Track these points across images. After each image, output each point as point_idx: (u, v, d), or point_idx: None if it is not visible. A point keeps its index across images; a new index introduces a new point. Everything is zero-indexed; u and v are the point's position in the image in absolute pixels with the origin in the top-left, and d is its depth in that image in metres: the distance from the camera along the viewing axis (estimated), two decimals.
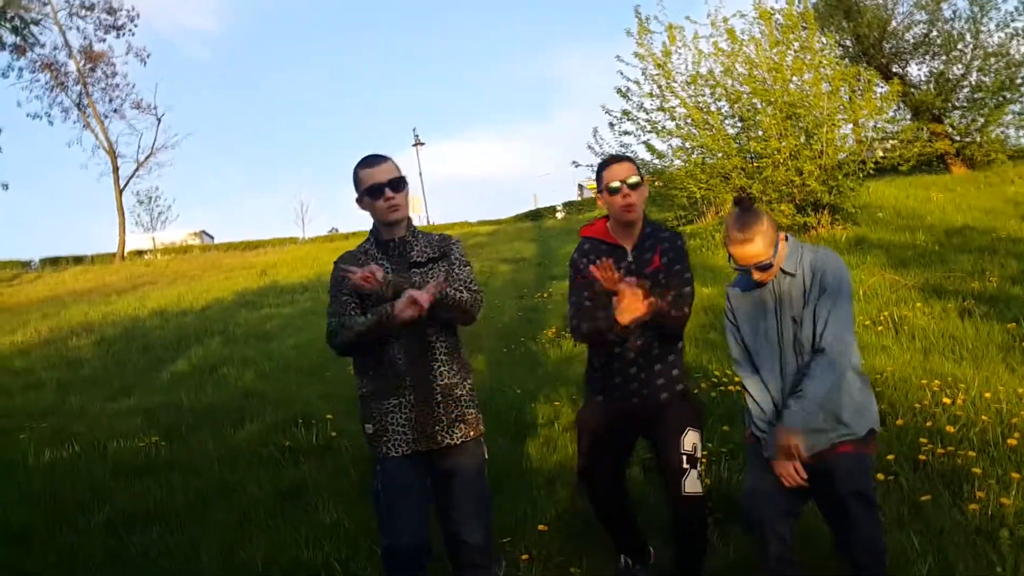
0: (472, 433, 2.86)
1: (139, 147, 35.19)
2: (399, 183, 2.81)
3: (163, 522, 4.44)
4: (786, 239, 2.71)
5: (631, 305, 2.69)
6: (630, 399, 2.99)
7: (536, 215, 31.47)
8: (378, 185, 2.77)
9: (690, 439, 2.92)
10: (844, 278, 2.66)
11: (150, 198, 42.08)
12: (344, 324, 2.74)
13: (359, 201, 2.87)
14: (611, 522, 3.19)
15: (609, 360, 3.02)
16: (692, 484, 2.90)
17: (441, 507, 2.86)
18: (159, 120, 32.35)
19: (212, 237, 43.81)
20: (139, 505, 4.66)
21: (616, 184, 2.93)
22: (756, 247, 2.59)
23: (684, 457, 2.90)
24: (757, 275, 2.65)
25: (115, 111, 31.79)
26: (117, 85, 31.74)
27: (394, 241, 2.84)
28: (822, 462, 2.64)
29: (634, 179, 2.93)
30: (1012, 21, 17.13)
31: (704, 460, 3.07)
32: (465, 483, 2.82)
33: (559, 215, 29.35)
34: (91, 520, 4.50)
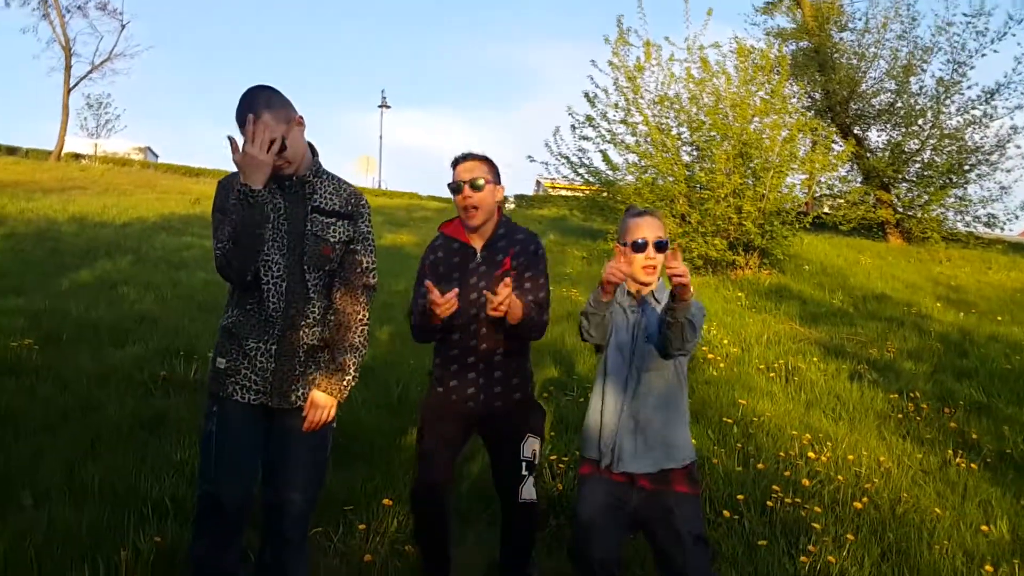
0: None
1: (97, 50, 34.06)
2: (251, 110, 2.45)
3: (15, 426, 4.30)
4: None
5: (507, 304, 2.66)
6: (466, 402, 2.95)
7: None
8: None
9: (530, 445, 2.92)
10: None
11: (100, 103, 40.52)
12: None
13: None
14: (429, 532, 3.02)
15: (450, 358, 2.97)
16: (528, 491, 2.91)
17: (270, 467, 2.62)
18: (123, 26, 31.08)
19: (156, 156, 42.45)
20: None
21: (458, 183, 2.89)
22: (655, 223, 2.72)
23: (524, 464, 2.90)
24: (648, 260, 2.67)
25: (79, 8, 30.40)
26: None
27: (291, 179, 2.56)
28: (656, 498, 2.66)
29: (479, 181, 2.87)
30: (972, 108, 17.71)
31: (540, 466, 3.05)
32: (304, 448, 2.59)
33: (510, 205, 29.36)
34: None
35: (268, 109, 2.42)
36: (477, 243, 2.96)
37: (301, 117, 2.55)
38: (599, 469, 2.71)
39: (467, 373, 2.93)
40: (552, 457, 4.35)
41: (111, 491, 3.64)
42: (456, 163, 2.95)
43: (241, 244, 2.44)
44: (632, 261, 2.69)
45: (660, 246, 2.69)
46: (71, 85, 29.77)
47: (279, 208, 2.55)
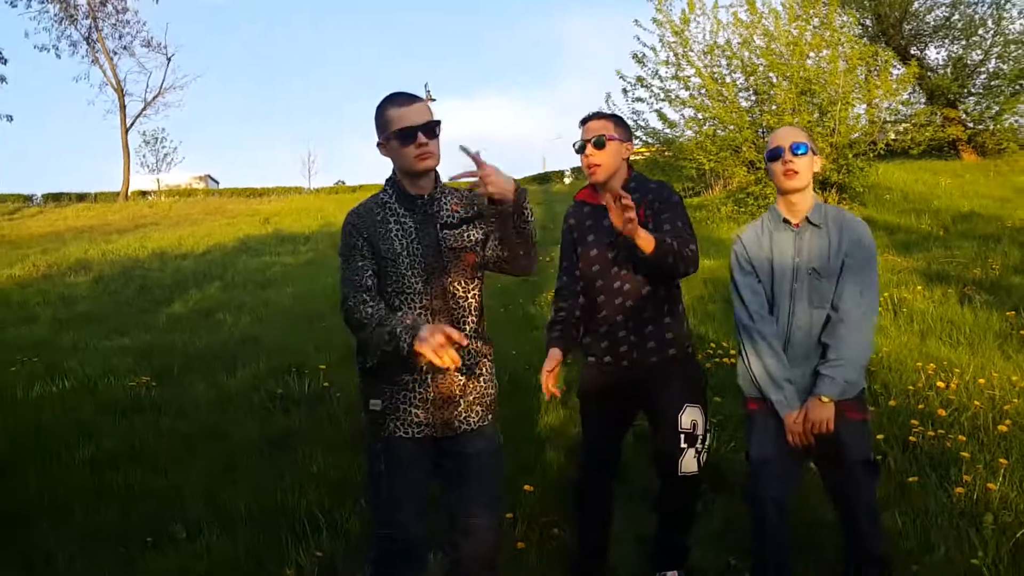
0: (491, 416, 2.55)
1: (147, 86, 35.00)
2: (433, 127, 2.41)
3: (148, 462, 4.45)
4: (812, 197, 2.68)
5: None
6: (616, 363, 2.87)
7: (544, 178, 31.23)
8: (410, 128, 2.37)
9: (688, 416, 2.79)
10: (872, 243, 2.64)
11: (156, 139, 41.85)
12: (365, 318, 2.33)
13: (382, 145, 2.47)
14: (590, 523, 3.02)
15: (595, 321, 2.90)
16: (688, 464, 2.79)
17: (450, 495, 2.52)
18: (169, 60, 32.03)
19: (217, 182, 43.51)
20: (125, 444, 4.68)
21: (581, 142, 2.85)
22: (796, 132, 2.66)
23: (682, 436, 2.78)
24: (789, 165, 2.57)
25: (124, 48, 31.50)
26: (128, 21, 31.36)
27: (422, 198, 2.45)
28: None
29: (602, 138, 2.80)
30: None
31: (705, 437, 2.87)
32: (480, 470, 2.48)
33: (567, 180, 29.13)
34: (76, 456, 4.51)
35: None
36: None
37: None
38: (767, 404, 2.65)
39: (617, 332, 2.85)
40: None
41: (258, 512, 3.72)
42: (582, 122, 2.90)
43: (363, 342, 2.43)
44: (773, 173, 2.64)
45: (796, 150, 2.59)
46: (128, 125, 30.76)
47: (410, 232, 2.45)
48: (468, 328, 2.47)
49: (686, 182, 13.94)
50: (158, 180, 37.96)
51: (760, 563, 2.72)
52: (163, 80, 33.69)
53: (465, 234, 2.49)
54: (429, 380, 2.44)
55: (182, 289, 10.08)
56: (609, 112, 2.96)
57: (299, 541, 3.36)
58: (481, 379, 2.52)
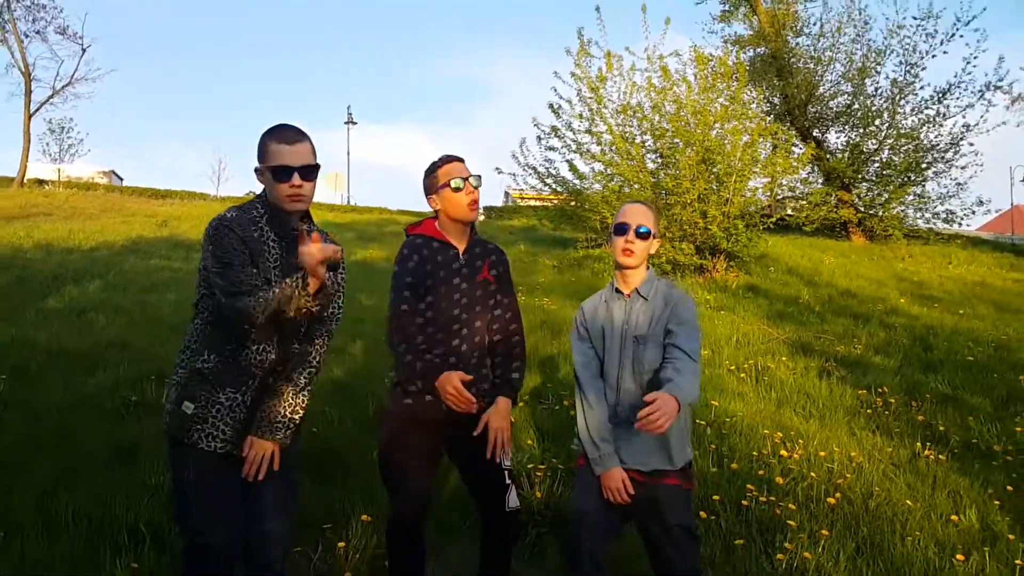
0: (295, 435, 2.62)
1: (58, 74, 33.63)
2: (311, 171, 2.45)
3: None
4: (647, 268, 2.85)
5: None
6: (440, 406, 2.83)
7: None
8: (286, 168, 2.41)
9: (507, 454, 2.92)
10: (694, 311, 2.81)
11: (62, 128, 40.16)
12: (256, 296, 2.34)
13: (259, 172, 2.50)
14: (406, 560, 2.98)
15: (443, 355, 2.90)
16: (514, 500, 2.91)
17: (248, 504, 2.57)
18: (84, 50, 30.66)
19: (121, 179, 41.88)
20: None
21: (459, 182, 2.88)
22: (645, 213, 2.82)
23: (506, 473, 2.90)
24: (628, 245, 2.75)
25: (37, 32, 29.92)
26: (43, 6, 29.97)
27: (294, 230, 2.49)
28: (647, 490, 2.71)
29: (476, 181, 2.92)
30: (925, 108, 18.18)
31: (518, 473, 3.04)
32: (279, 481, 2.56)
33: (480, 217, 29.31)
34: None
35: (310, 141, 2.48)
36: (459, 245, 2.96)
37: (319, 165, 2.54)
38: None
39: (466, 371, 2.86)
40: (530, 465, 4.39)
41: (86, 521, 3.61)
42: (445, 162, 2.94)
43: (272, 319, 2.38)
44: (614, 245, 2.81)
45: (641, 233, 2.77)
46: (32, 110, 29.30)
47: (276, 260, 2.49)
48: (291, 362, 2.57)
49: (590, 232, 14.26)
50: (59, 170, 36.30)
51: None
52: (75, 70, 32.28)
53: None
54: (249, 401, 2.49)
55: (60, 284, 9.63)
56: (461, 156, 3.01)
57: (118, 553, 3.28)
58: (287, 401, 2.56)
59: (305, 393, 2.60)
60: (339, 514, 3.77)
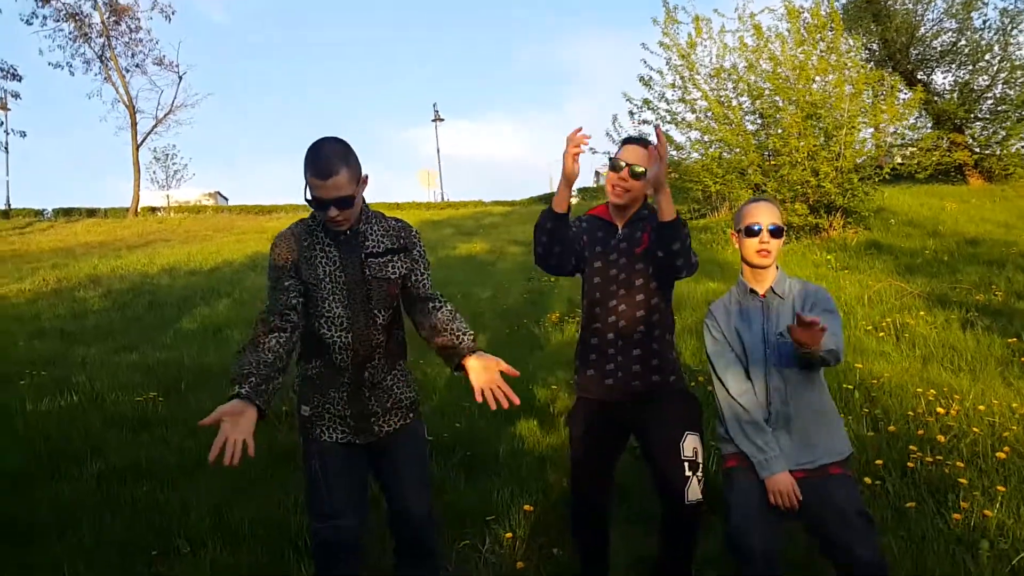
0: (411, 416, 2.75)
1: (159, 104, 35.41)
2: (345, 202, 2.49)
3: (155, 477, 4.49)
4: (776, 266, 2.78)
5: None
6: (603, 381, 2.87)
7: (550, 198, 31.25)
8: (322, 201, 2.48)
9: (690, 443, 2.79)
10: (832, 299, 2.74)
11: (167, 155, 42.38)
12: (260, 348, 2.45)
13: (308, 200, 2.55)
14: (585, 536, 3.02)
15: (588, 343, 2.93)
16: (694, 492, 2.79)
17: (383, 485, 2.75)
18: (180, 78, 32.34)
19: (226, 199, 43.75)
20: (132, 459, 4.72)
21: (622, 164, 2.85)
22: (771, 209, 2.74)
23: (686, 464, 2.78)
24: (763, 246, 2.67)
25: (137, 66, 31.80)
26: (140, 40, 31.69)
27: (346, 233, 2.61)
28: (817, 486, 2.62)
29: (641, 169, 2.82)
30: None
31: (705, 463, 2.87)
32: (406, 457, 2.72)
33: (573, 200, 29.17)
34: (84, 470, 4.57)
35: (346, 166, 2.47)
36: (619, 222, 2.94)
37: (367, 176, 2.59)
38: (744, 460, 2.67)
39: (607, 349, 2.88)
40: None
41: (262, 529, 3.76)
42: (625, 142, 2.92)
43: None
44: (746, 246, 2.72)
45: (774, 231, 2.69)
46: (139, 141, 31.03)
47: (334, 260, 2.60)
48: (379, 354, 2.67)
49: (692, 204, 14.00)
50: (168, 196, 38.27)
51: None
52: (174, 98, 34.05)
53: (389, 264, 2.65)
54: (346, 397, 2.65)
55: (191, 305, 10.16)
56: (647, 139, 2.95)
57: (301, 557, 3.40)
58: (393, 388, 2.71)
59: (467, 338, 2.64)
60: (498, 506, 3.82)
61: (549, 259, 2.85)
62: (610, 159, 2.90)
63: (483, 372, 2.57)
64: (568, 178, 2.65)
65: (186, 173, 43.55)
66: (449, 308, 2.70)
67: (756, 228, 2.69)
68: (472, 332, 2.65)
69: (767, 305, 2.72)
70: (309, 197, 2.51)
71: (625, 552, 3.37)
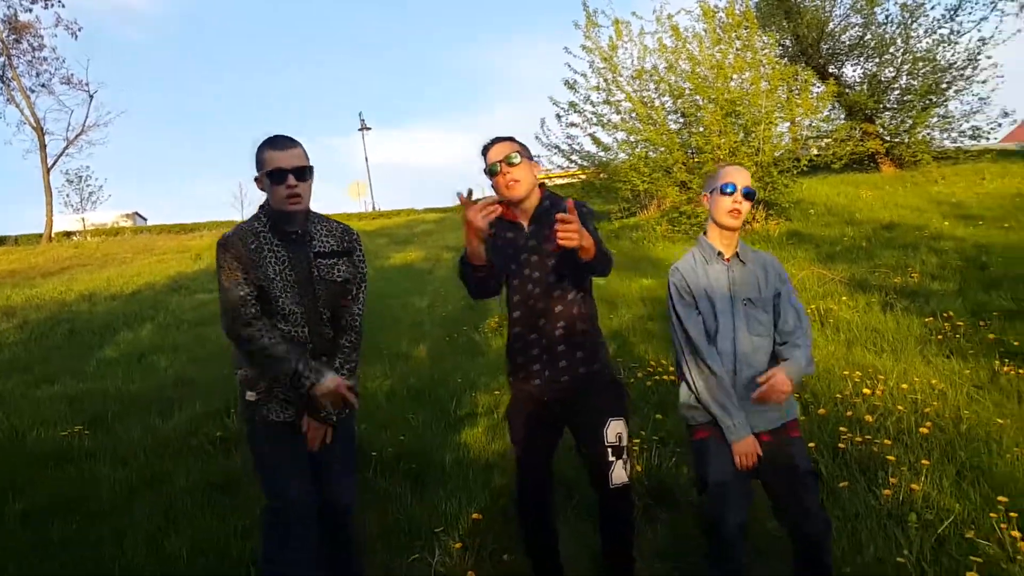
0: (347, 410, 2.87)
1: (69, 124, 34.00)
2: (304, 172, 2.69)
3: (86, 513, 4.32)
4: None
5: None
6: (532, 380, 2.93)
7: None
8: (281, 170, 2.64)
9: (613, 429, 2.87)
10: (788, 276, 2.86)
11: (80, 177, 40.82)
12: (264, 348, 2.63)
13: (257, 180, 2.74)
14: (537, 534, 3.08)
15: (515, 348, 2.97)
16: (618, 475, 2.88)
17: (313, 466, 2.85)
18: (91, 97, 31.10)
19: (145, 219, 42.41)
20: (60, 495, 4.52)
21: (496, 165, 2.88)
22: (746, 175, 2.82)
23: (609, 449, 2.87)
24: (736, 205, 2.74)
25: (43, 86, 30.44)
26: (45, 59, 30.35)
27: (296, 233, 2.75)
28: (776, 447, 2.74)
29: (515, 158, 2.88)
30: (939, 28, 17.81)
31: (631, 448, 3.02)
32: (336, 446, 2.86)
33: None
34: (6, 510, 4.36)
35: (302, 147, 2.70)
36: (524, 219, 2.95)
37: (313, 168, 2.77)
38: (716, 430, 2.74)
39: (531, 350, 2.93)
40: (634, 440, 4.35)
41: (203, 558, 3.66)
42: (486, 149, 2.95)
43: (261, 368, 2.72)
44: (718, 205, 2.77)
45: (748, 194, 2.77)
46: (49, 164, 29.76)
47: (283, 259, 2.72)
48: (327, 348, 2.82)
49: (622, 203, 14.20)
50: (83, 220, 36.89)
51: None
52: (86, 117, 32.77)
53: (335, 268, 2.80)
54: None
55: (113, 332, 9.79)
56: (507, 135, 2.99)
57: None
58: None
59: (344, 372, 2.82)
60: (446, 516, 3.80)
61: (482, 295, 2.93)
62: (485, 170, 2.94)
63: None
64: (477, 236, 2.65)
65: (101, 195, 41.95)
66: (348, 351, 2.87)
67: (730, 188, 2.75)
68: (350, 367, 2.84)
69: (731, 268, 2.78)
70: (266, 171, 2.66)
71: (576, 546, 3.41)
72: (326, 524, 2.87)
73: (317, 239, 2.79)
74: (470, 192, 2.60)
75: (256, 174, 2.74)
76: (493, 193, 2.95)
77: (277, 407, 2.77)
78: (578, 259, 2.65)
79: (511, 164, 2.88)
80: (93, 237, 27.05)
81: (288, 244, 2.72)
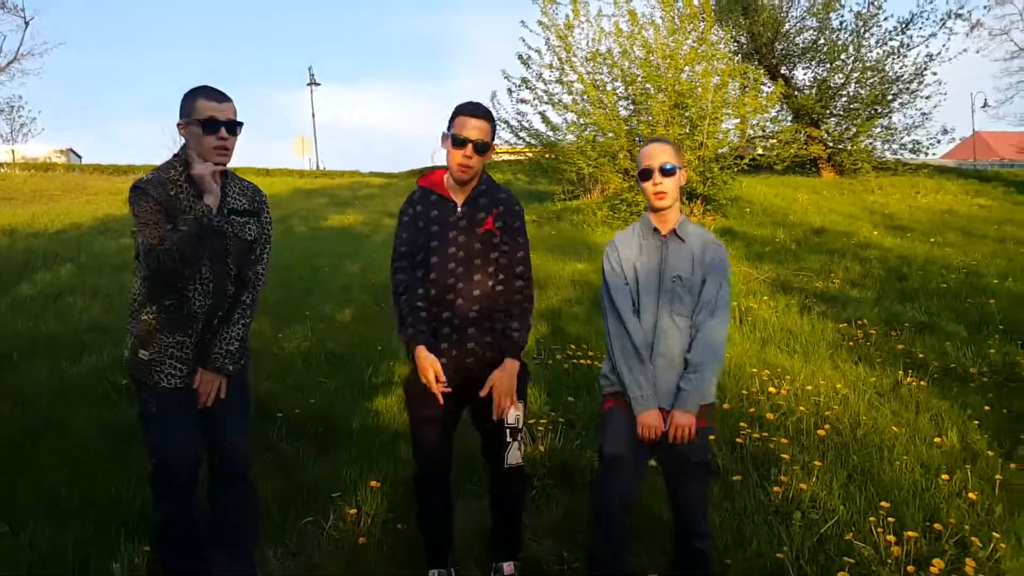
0: (243, 362, 2.87)
1: (1, 50, 32.53)
2: (235, 127, 2.69)
3: None
4: (679, 210, 2.89)
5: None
6: (461, 359, 2.89)
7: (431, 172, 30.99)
8: (215, 120, 2.62)
9: (513, 412, 2.91)
10: (728, 264, 2.88)
11: (11, 107, 38.97)
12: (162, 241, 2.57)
13: (181, 126, 2.69)
14: (432, 512, 3.09)
15: (443, 315, 2.90)
16: (514, 456, 2.95)
17: (206, 425, 2.81)
18: (27, 23, 29.82)
19: (80, 157, 40.82)
20: None
21: (464, 138, 2.81)
22: (664, 149, 2.82)
23: (507, 431, 2.92)
24: (657, 187, 2.77)
25: None
26: None
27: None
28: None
29: (484, 143, 2.83)
30: (890, 39, 18.20)
31: (527, 429, 3.09)
32: (230, 399, 2.83)
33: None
34: None
35: (233, 103, 2.69)
36: (458, 198, 2.91)
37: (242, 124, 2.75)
38: (623, 401, 2.79)
39: (441, 328, 2.89)
40: (531, 421, 4.43)
41: (94, 507, 3.60)
42: (463, 113, 2.85)
43: (188, 258, 2.61)
44: (644, 191, 2.82)
45: (665, 170, 2.78)
46: None
47: (201, 212, 2.67)
48: (230, 299, 2.80)
49: (566, 184, 14.25)
50: (12, 152, 35.36)
51: (597, 554, 2.85)
52: (19, 45, 31.38)
53: (246, 226, 2.80)
54: (195, 342, 2.74)
55: (31, 270, 9.45)
56: (488, 111, 2.92)
57: (132, 537, 3.28)
58: (233, 340, 2.81)
59: (239, 326, 2.83)
60: (346, 482, 3.81)
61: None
62: (452, 136, 2.84)
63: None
64: None
65: (35, 127, 40.17)
66: (244, 310, 2.84)
67: (648, 171, 2.79)
68: (233, 346, 2.79)
69: (666, 245, 2.81)
70: (198, 118, 2.63)
71: (468, 521, 3.44)
72: (221, 482, 2.87)
73: (231, 196, 2.77)
74: None
75: (180, 120, 2.69)
76: (442, 152, 2.93)
77: (170, 370, 2.71)
78: None
79: (479, 150, 2.83)
80: (22, 171, 25.93)
81: (203, 197, 2.68)
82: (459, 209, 2.90)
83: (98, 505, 3.62)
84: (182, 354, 2.72)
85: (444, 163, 2.91)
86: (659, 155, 2.80)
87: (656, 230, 2.84)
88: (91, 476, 3.94)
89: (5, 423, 4.65)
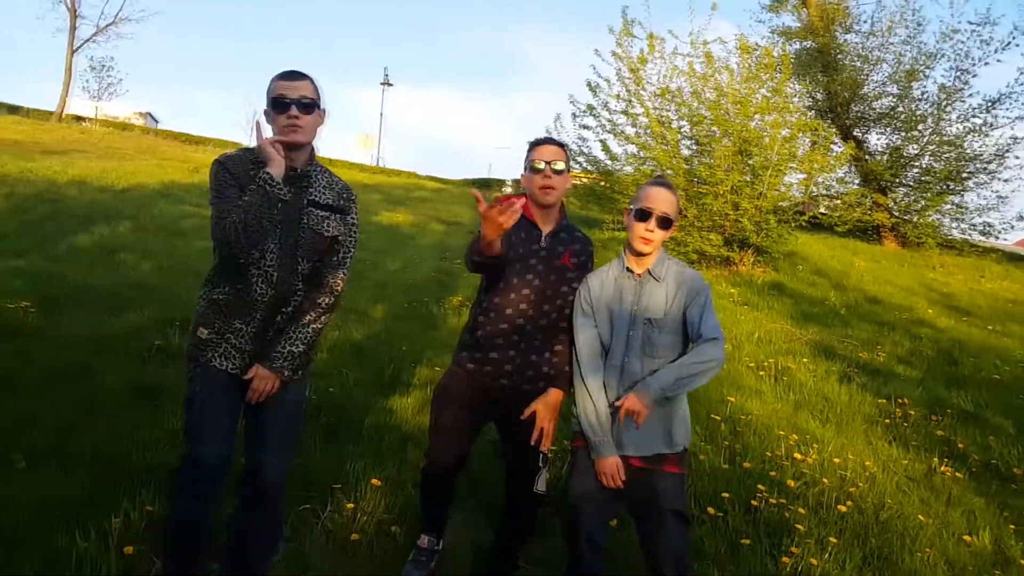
0: (300, 372, 2.76)
1: (103, 13, 33.78)
2: (308, 106, 2.60)
3: (12, 388, 4.35)
4: (661, 249, 2.82)
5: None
6: (498, 379, 2.96)
7: (485, 184, 31.29)
8: (284, 99, 2.57)
9: (547, 444, 2.95)
10: (707, 286, 2.80)
11: (103, 66, 40.35)
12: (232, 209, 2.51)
13: (266, 114, 2.67)
14: (434, 499, 3.16)
15: (492, 332, 2.96)
16: (542, 483, 2.99)
17: (249, 433, 2.75)
18: None
19: (157, 122, 42.12)
20: None
21: (541, 164, 2.92)
22: (668, 199, 2.74)
23: (541, 456, 2.96)
24: (647, 234, 2.70)
25: None
26: None
27: (295, 171, 2.64)
28: (645, 475, 2.73)
29: (560, 165, 2.93)
30: (973, 116, 17.69)
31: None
32: (281, 415, 2.73)
33: (507, 189, 29.21)
34: None
35: (313, 82, 2.63)
36: (544, 227, 2.98)
37: (326, 112, 2.69)
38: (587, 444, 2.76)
39: (508, 349, 2.94)
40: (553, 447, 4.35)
41: (103, 458, 3.66)
42: (538, 144, 2.99)
43: (251, 228, 2.50)
44: (632, 228, 2.75)
45: (662, 220, 2.71)
46: (75, 47, 29.63)
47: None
48: (294, 302, 2.69)
49: (617, 215, 14.15)
50: (97, 108, 36.54)
51: None
52: (120, 9, 32.51)
53: (326, 221, 2.69)
54: (253, 332, 2.65)
55: (91, 222, 9.72)
56: (561, 141, 3.06)
57: (134, 489, 3.33)
58: (297, 340, 2.70)
59: (309, 329, 2.71)
60: (349, 476, 3.79)
61: (478, 272, 2.95)
62: (530, 164, 2.96)
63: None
64: (497, 233, 2.61)
65: (120, 88, 41.35)
66: (318, 314, 2.72)
67: (647, 212, 2.72)
68: (297, 348, 2.68)
69: (640, 286, 2.77)
70: (269, 105, 2.61)
71: (466, 535, 3.46)
72: (250, 494, 2.75)
73: (315, 187, 2.69)
74: (505, 193, 2.64)
75: (265, 107, 2.68)
76: (520, 182, 3.04)
77: (224, 354, 2.65)
78: None
79: (556, 171, 2.93)
80: (102, 127, 26.78)
81: (285, 182, 2.59)
82: (543, 239, 2.97)
83: (108, 456, 3.68)
84: (239, 342, 2.64)
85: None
86: (662, 203, 2.73)
87: (630, 270, 2.80)
88: (107, 428, 4.01)
89: (38, 366, 4.75)
